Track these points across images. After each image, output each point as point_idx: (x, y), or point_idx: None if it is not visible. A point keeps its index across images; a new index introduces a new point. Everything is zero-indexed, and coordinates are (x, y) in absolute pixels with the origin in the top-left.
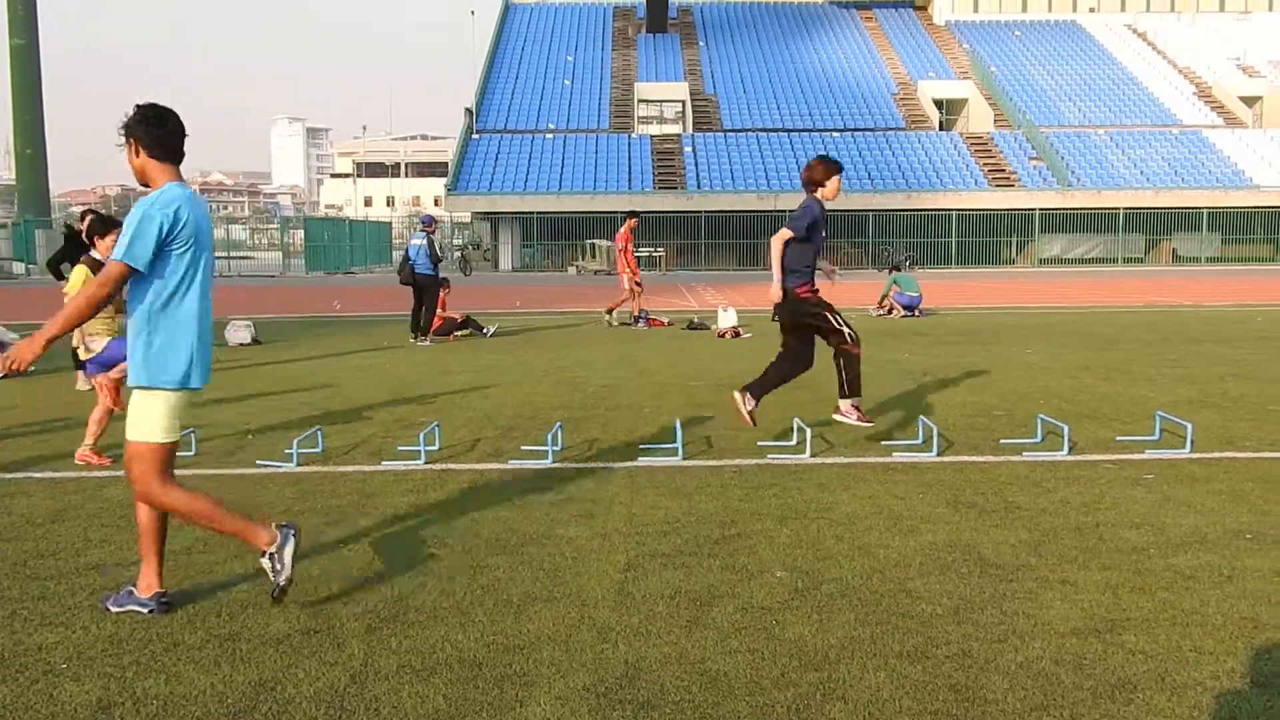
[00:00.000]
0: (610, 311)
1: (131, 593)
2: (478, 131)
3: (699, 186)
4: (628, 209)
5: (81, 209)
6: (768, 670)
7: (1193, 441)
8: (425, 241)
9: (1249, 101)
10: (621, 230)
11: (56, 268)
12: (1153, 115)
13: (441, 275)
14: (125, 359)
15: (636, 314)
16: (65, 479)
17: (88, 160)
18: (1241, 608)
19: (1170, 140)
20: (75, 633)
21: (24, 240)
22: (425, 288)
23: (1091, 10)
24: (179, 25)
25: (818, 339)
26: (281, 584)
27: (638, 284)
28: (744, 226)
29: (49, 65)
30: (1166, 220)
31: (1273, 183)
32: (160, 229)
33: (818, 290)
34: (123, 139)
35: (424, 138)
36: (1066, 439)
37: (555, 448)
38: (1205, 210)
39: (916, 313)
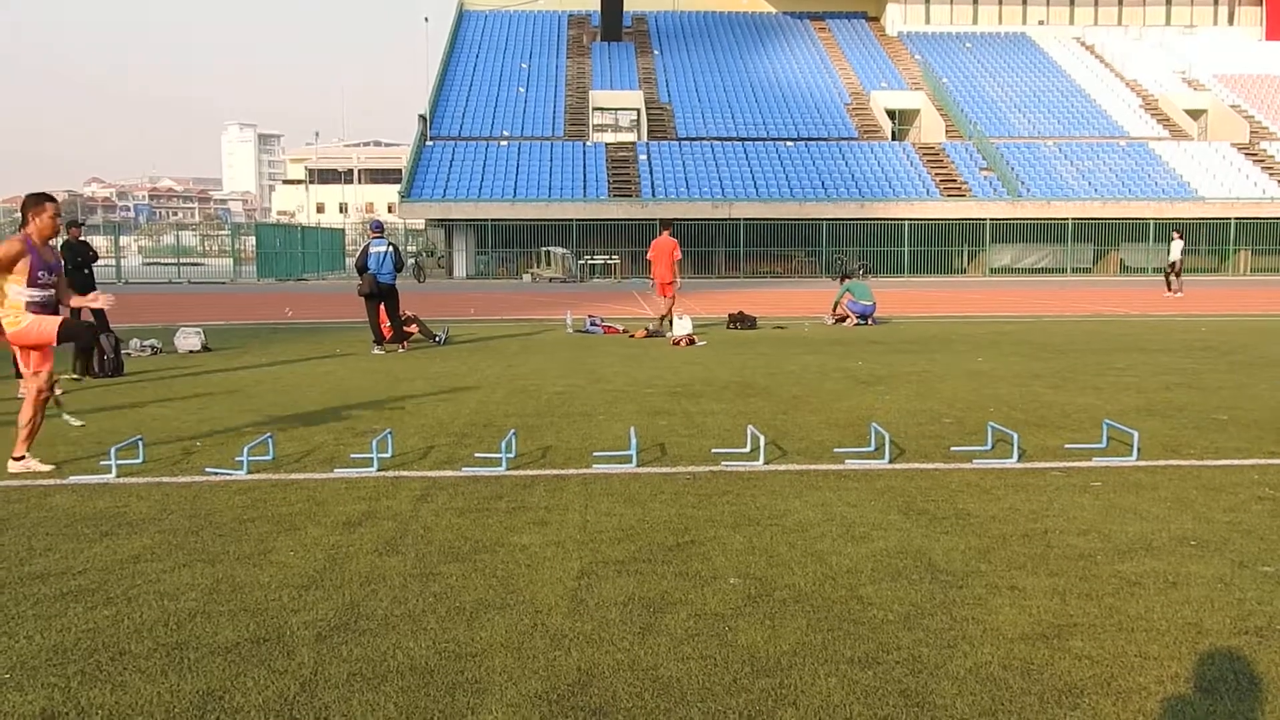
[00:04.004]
0: (663, 320)
1: None
2: (432, 138)
3: (654, 194)
4: (663, 218)
5: None
6: (720, 677)
7: (1139, 449)
8: (389, 249)
9: (1194, 114)
10: (665, 239)
11: None
12: (1100, 127)
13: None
14: None
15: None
16: (8, 487)
17: (33, 164)
18: (1186, 613)
19: (1117, 152)
20: (19, 642)
21: None
22: (389, 295)
23: (1041, 23)
24: (123, 31)
25: None
26: None
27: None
28: (698, 234)
29: None
30: (1114, 231)
31: (1216, 194)
32: None
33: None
34: None
35: (377, 144)
36: (1016, 447)
37: (509, 455)
38: (1152, 221)
39: (869, 321)
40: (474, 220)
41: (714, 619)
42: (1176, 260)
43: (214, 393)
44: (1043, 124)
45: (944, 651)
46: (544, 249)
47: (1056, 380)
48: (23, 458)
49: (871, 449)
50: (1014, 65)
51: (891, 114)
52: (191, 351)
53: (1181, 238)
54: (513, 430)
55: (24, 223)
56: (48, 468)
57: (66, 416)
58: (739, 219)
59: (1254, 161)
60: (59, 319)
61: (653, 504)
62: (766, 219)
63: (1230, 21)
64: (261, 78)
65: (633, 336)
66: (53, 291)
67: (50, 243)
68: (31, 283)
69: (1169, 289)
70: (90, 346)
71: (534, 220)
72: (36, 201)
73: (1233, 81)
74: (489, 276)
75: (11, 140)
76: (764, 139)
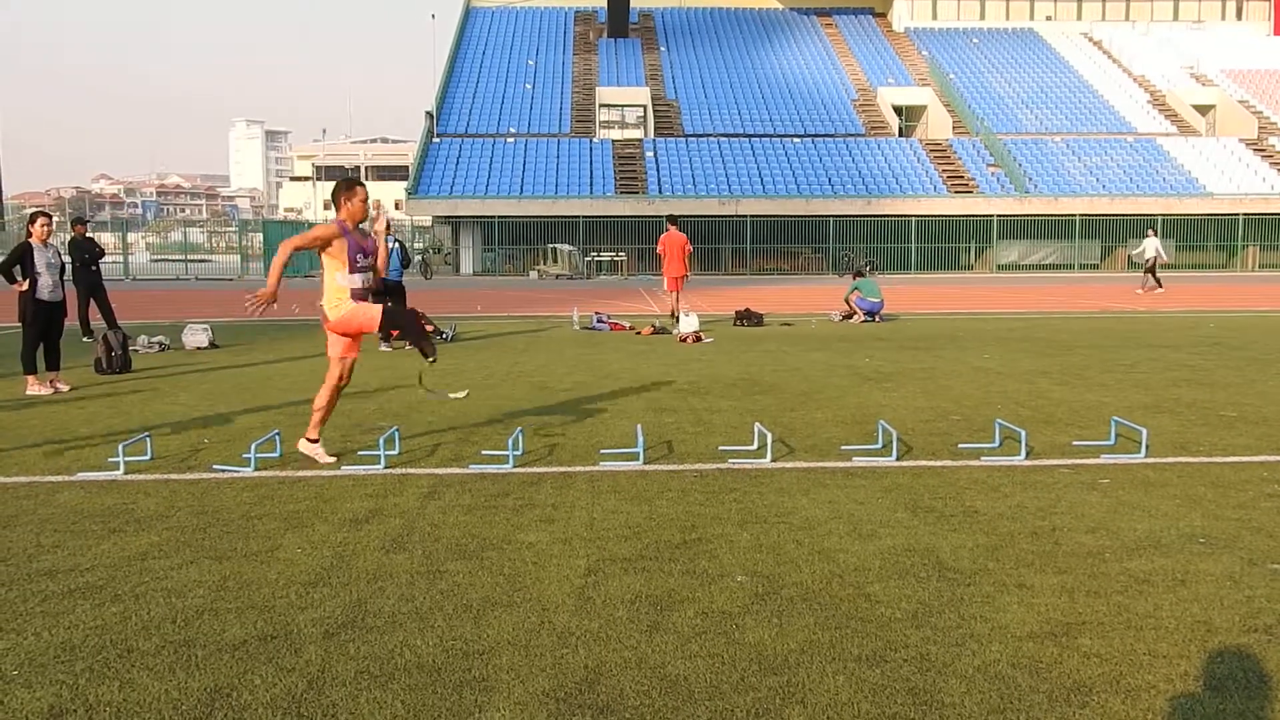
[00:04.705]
0: (674, 315)
1: None
2: (438, 135)
3: (660, 191)
4: (668, 213)
5: (33, 210)
6: (727, 674)
7: (1147, 446)
8: (396, 245)
9: (1202, 110)
10: (675, 233)
11: (9, 271)
12: (1108, 123)
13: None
14: None
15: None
16: (16, 484)
17: (42, 160)
18: (1194, 611)
19: (1125, 148)
20: (27, 639)
21: None
22: (396, 292)
23: (1048, 19)
24: (131, 29)
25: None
26: None
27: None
28: (705, 231)
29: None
30: (1122, 227)
31: (1225, 190)
32: None
33: None
34: None
35: (384, 141)
36: (1023, 444)
37: (516, 452)
38: (1160, 217)
39: (877, 318)
40: (481, 217)
41: (721, 617)
42: (1152, 257)
43: (221, 389)
44: (1050, 120)
45: (952, 649)
46: (550, 246)
47: (1064, 377)
48: (316, 440)
49: (879, 446)
50: (1021, 61)
51: (898, 110)
52: (199, 348)
53: (1155, 234)
54: (519, 428)
55: (335, 208)
56: (331, 459)
57: (432, 393)
58: (746, 216)
59: (1262, 157)
60: (381, 306)
61: (660, 501)
62: (773, 216)
63: (1238, 17)
64: (269, 75)
65: (639, 333)
66: (370, 275)
67: (361, 226)
68: (351, 268)
69: (1159, 285)
70: (420, 331)
71: (540, 217)
72: (347, 186)
73: (1241, 77)
74: (496, 273)
75: (21, 137)
76: (771, 136)
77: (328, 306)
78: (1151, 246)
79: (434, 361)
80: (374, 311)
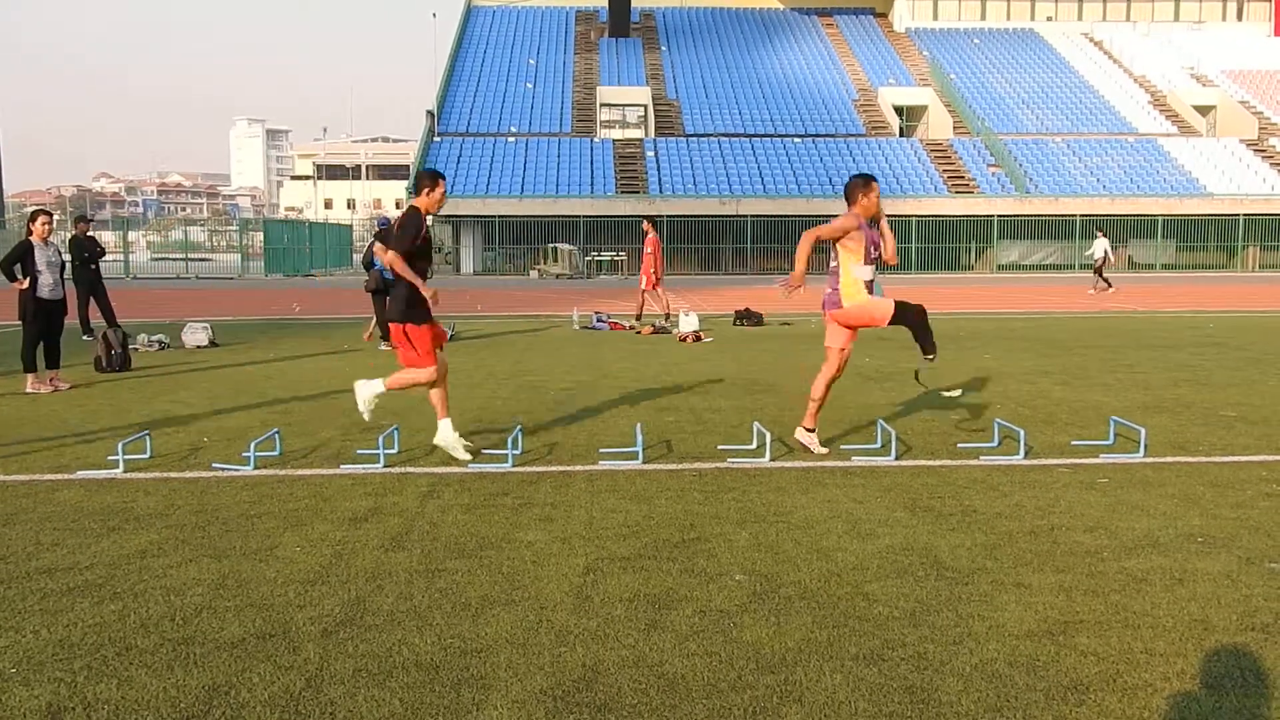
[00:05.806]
0: (656, 316)
1: None
2: (439, 134)
3: (661, 191)
4: (647, 215)
5: (34, 208)
6: (725, 673)
7: (1146, 446)
8: None
9: (1203, 110)
10: (653, 236)
11: (9, 269)
12: (1109, 124)
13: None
14: None
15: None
16: (15, 482)
17: (42, 159)
18: (1192, 610)
19: (1126, 148)
20: (25, 637)
21: None
22: None
23: (1049, 19)
24: (133, 28)
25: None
26: None
27: (653, 287)
28: (706, 231)
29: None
30: (1123, 227)
31: (1226, 190)
32: None
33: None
34: None
35: (385, 140)
36: (1023, 443)
37: (515, 451)
38: (1160, 217)
39: None
40: (481, 216)
41: (719, 615)
42: (1100, 258)
43: (221, 388)
44: (1051, 120)
45: (949, 648)
46: (551, 245)
47: (1064, 377)
48: (813, 430)
49: (878, 446)
50: (1022, 61)
51: (899, 110)
52: (199, 347)
53: (1104, 235)
54: (519, 427)
55: (850, 203)
56: (824, 450)
57: (925, 387)
58: (746, 215)
59: (1262, 157)
60: (893, 301)
61: (658, 500)
62: (774, 215)
63: (1239, 17)
64: (269, 74)
65: (639, 333)
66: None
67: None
68: (866, 260)
69: (1109, 285)
70: (924, 326)
71: (541, 216)
72: (864, 182)
73: (1241, 77)
74: (496, 273)
75: (22, 135)
76: (772, 135)
77: (844, 296)
78: (1100, 247)
79: (933, 360)
80: (886, 306)
